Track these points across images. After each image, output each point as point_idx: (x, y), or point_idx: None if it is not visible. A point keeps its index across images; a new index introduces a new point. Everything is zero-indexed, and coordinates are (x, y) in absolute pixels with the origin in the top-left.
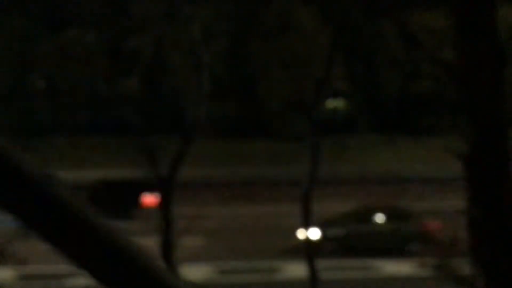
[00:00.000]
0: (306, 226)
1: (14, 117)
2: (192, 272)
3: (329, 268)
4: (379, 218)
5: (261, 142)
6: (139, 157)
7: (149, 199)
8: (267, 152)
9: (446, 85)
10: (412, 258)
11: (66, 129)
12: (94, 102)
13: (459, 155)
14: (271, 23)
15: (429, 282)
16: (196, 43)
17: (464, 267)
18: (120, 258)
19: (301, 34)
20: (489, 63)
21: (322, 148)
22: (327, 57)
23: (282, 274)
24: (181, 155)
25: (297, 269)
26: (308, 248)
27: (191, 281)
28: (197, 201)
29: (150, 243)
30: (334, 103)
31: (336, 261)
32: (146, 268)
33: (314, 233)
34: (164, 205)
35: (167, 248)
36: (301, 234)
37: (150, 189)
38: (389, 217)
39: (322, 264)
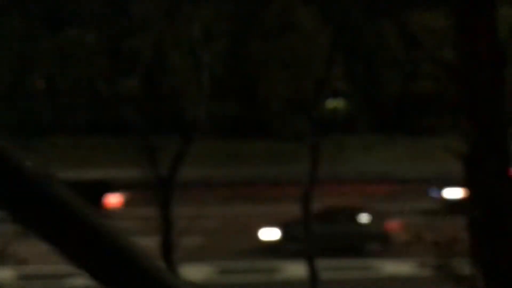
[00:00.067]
0: (306, 226)
1: (14, 117)
2: (192, 272)
3: (329, 268)
4: (341, 218)
5: (261, 142)
6: (139, 157)
7: (113, 199)
8: (267, 152)
9: (446, 85)
10: (371, 258)
11: (66, 129)
12: (94, 102)
13: (459, 155)
14: (271, 23)
15: (429, 282)
16: (196, 43)
17: (464, 267)
18: (120, 258)
19: (301, 34)
20: (489, 63)
21: (322, 148)
22: (327, 57)
23: (282, 274)
24: (181, 155)
25: (297, 269)
26: (308, 248)
27: (191, 281)
28: (197, 201)
29: None
30: (334, 103)
31: (336, 261)
32: (146, 268)
33: (274, 234)
34: (164, 205)
35: (167, 248)
36: (262, 234)
37: (114, 189)
38: (351, 218)
39: (322, 264)
